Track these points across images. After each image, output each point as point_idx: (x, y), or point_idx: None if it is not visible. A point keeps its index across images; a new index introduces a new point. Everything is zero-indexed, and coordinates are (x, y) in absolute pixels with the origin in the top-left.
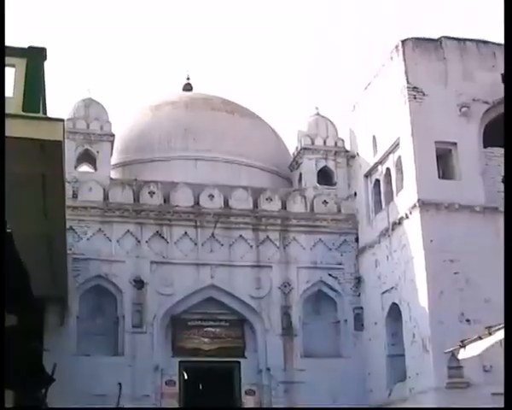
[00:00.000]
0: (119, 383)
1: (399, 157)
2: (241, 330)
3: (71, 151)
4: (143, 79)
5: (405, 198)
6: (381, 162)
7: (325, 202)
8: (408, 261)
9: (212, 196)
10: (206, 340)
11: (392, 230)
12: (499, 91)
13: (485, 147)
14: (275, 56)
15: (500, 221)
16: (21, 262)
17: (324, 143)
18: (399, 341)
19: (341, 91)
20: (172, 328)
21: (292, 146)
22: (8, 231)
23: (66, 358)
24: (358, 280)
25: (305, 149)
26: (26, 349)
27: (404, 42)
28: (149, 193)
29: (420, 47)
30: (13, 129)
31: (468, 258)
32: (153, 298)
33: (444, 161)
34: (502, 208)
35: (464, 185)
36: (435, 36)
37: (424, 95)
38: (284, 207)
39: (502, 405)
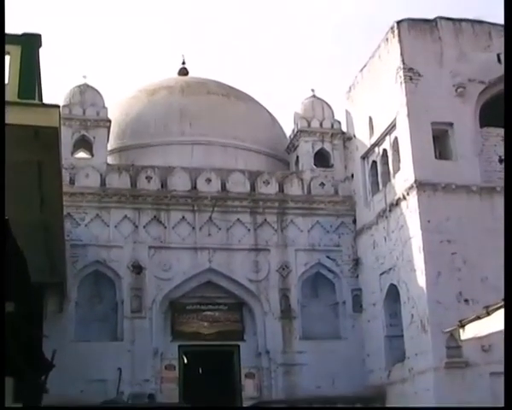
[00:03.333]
0: (119, 369)
1: (396, 138)
2: (240, 314)
3: (67, 137)
4: (139, 64)
5: (402, 179)
6: (377, 144)
7: (322, 185)
8: (406, 242)
9: (209, 180)
10: (205, 324)
11: (390, 211)
12: (495, 71)
13: (481, 127)
14: (270, 39)
15: (497, 201)
16: (19, 249)
17: (321, 125)
18: (398, 321)
19: (337, 73)
20: (171, 312)
21: (288, 129)
22: (5, 218)
23: (66, 344)
24: (356, 262)
25: (301, 131)
26: (25, 336)
27: (399, 23)
28: (146, 178)
29: (415, 28)
30: (8, 116)
31: (465, 238)
32: (151, 283)
33: (440, 141)
34: (498, 188)
35: (461, 166)
36: (430, 16)
37: (420, 76)
38: (281, 189)
39: (501, 384)
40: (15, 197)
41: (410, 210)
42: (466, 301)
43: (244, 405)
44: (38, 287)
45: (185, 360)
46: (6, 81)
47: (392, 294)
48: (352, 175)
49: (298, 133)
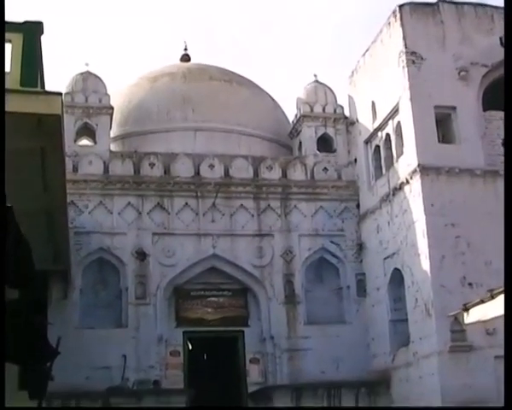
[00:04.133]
0: (124, 355)
1: (399, 122)
2: (245, 299)
3: (70, 125)
4: (141, 51)
5: (405, 163)
6: (380, 128)
7: (325, 169)
8: (409, 226)
9: (213, 166)
10: (209, 310)
11: (393, 195)
12: (497, 54)
13: (484, 110)
14: (273, 24)
15: (500, 184)
16: (23, 236)
17: (323, 110)
18: (402, 306)
19: (339, 58)
20: (175, 299)
21: (291, 114)
22: (9, 205)
23: (71, 331)
24: (360, 246)
25: (304, 116)
26: (30, 323)
27: (401, 7)
28: (149, 165)
29: (417, 11)
30: (11, 104)
31: (468, 222)
32: (155, 269)
33: (443, 125)
34: (502, 172)
35: (464, 149)
36: (432, 0)
37: (422, 59)
38: (285, 175)
39: None
40: (18, 185)
41: (414, 194)
42: (470, 284)
43: (249, 390)
44: (43, 274)
45: (190, 346)
46: (8, 69)
47: (397, 278)
48: (355, 160)
49: (301, 118)
